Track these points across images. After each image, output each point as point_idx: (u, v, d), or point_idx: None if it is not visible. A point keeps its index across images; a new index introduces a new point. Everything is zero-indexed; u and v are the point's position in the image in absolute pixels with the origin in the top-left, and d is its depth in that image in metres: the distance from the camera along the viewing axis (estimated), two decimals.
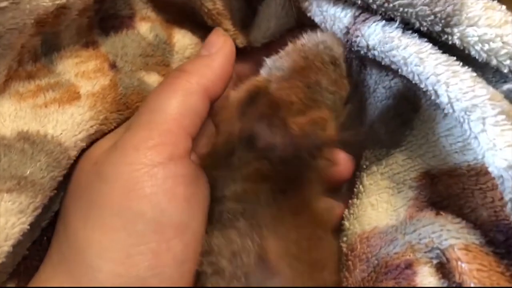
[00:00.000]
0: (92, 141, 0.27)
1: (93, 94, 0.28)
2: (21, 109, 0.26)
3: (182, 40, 0.33)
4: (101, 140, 0.28)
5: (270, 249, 0.25)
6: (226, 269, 0.25)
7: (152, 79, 0.31)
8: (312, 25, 0.35)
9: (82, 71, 0.28)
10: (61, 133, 0.26)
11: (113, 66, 0.30)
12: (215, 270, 0.25)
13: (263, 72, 0.31)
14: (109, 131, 0.28)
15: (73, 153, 0.26)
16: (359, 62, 0.33)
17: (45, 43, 0.29)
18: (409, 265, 0.24)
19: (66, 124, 0.26)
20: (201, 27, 0.33)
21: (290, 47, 0.31)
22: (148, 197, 0.24)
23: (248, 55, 0.34)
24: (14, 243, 0.23)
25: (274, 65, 0.31)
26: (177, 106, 0.27)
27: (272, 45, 0.33)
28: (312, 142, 0.27)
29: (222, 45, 0.31)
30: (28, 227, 0.24)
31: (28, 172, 0.24)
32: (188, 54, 0.33)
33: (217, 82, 0.29)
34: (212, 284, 0.25)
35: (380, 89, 0.32)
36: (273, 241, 0.25)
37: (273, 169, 0.26)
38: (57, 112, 0.26)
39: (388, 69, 0.30)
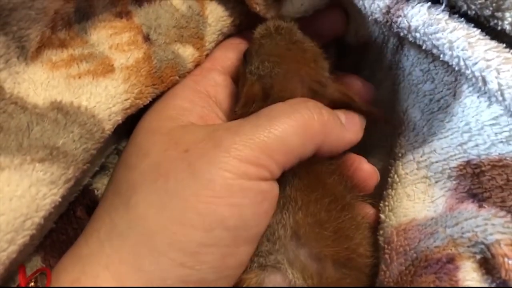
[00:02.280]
0: (128, 115, 0.26)
1: (127, 67, 0.27)
2: (54, 78, 0.25)
3: (215, 11, 0.31)
4: (189, 125, 0.27)
5: (300, 221, 0.26)
6: (265, 249, 0.26)
7: (187, 52, 0.29)
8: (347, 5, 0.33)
9: (116, 44, 0.27)
10: (95, 105, 0.25)
11: (147, 38, 0.28)
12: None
13: None
14: (144, 106, 0.27)
15: (108, 126, 0.25)
16: (396, 41, 0.32)
17: (79, 11, 0.27)
18: (451, 260, 0.23)
19: (100, 96, 0.25)
20: None
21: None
22: (235, 207, 0.24)
23: None
24: (45, 214, 0.23)
25: None
26: (294, 141, 0.26)
27: (303, 21, 0.32)
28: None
29: (359, 131, 0.30)
30: (60, 199, 0.23)
31: (60, 143, 0.23)
32: (220, 26, 0.32)
33: (332, 150, 0.28)
34: (248, 265, 0.26)
35: (416, 72, 0.31)
36: (300, 213, 0.26)
37: None
38: (91, 84, 0.25)
39: (428, 51, 0.29)
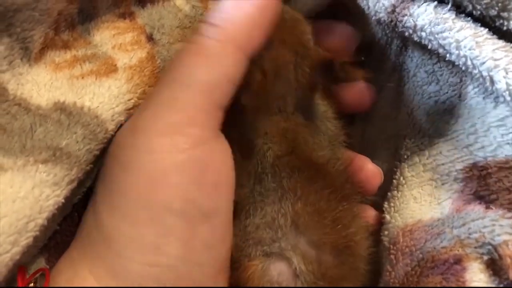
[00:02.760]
0: (131, 115, 0.26)
1: (131, 67, 0.26)
2: (57, 79, 0.25)
3: None
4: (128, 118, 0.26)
5: (299, 210, 0.25)
6: (267, 236, 0.26)
7: None
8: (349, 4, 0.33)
9: (119, 44, 0.27)
10: (98, 106, 0.25)
11: (150, 38, 0.28)
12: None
13: None
14: None
15: (111, 126, 0.25)
16: (400, 42, 0.32)
17: (82, 12, 0.27)
18: (458, 260, 0.23)
19: (103, 96, 0.25)
20: None
21: None
22: (175, 188, 0.22)
23: None
24: (48, 216, 0.22)
25: None
26: (205, 76, 0.22)
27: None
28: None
29: None
30: (63, 200, 0.23)
31: (64, 144, 0.23)
32: None
33: (254, 34, 0.23)
34: (252, 253, 0.26)
35: (421, 73, 0.30)
36: (300, 203, 0.26)
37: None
38: (94, 84, 0.25)
39: (433, 52, 0.29)
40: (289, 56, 0.28)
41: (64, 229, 0.26)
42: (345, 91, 0.32)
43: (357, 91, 0.32)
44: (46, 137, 0.23)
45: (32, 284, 0.24)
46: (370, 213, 0.30)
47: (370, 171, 0.29)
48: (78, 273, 0.23)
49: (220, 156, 0.24)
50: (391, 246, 0.26)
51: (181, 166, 0.22)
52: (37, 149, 0.22)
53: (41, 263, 0.26)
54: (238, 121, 0.26)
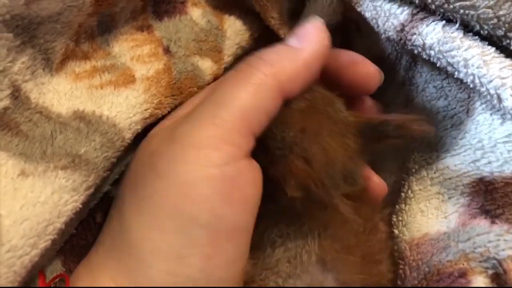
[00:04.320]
0: (147, 125, 0.27)
1: (148, 78, 0.27)
2: (77, 89, 0.26)
3: (233, 25, 0.32)
4: (158, 128, 0.27)
5: (326, 247, 0.25)
6: (285, 271, 0.25)
7: (206, 65, 0.30)
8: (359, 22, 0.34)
9: (138, 55, 0.28)
10: (116, 115, 0.26)
11: (167, 50, 0.29)
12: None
13: None
14: (163, 116, 0.28)
15: (128, 135, 0.26)
16: (409, 58, 0.32)
17: (101, 24, 0.28)
18: (462, 274, 0.23)
19: (121, 106, 0.26)
20: (250, 13, 0.32)
21: None
22: (204, 201, 0.23)
23: None
24: (66, 220, 0.23)
25: None
26: (246, 101, 0.23)
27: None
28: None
29: (317, 39, 0.26)
30: (81, 206, 0.24)
31: (82, 151, 0.24)
32: (239, 40, 0.32)
33: (296, 80, 0.25)
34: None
35: (430, 88, 0.31)
36: (328, 240, 0.25)
37: None
38: (112, 94, 0.26)
39: (441, 69, 0.29)
40: (333, 141, 0.26)
41: (80, 232, 0.27)
42: (353, 109, 0.32)
43: (365, 109, 0.32)
44: (65, 144, 0.24)
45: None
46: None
47: (376, 183, 0.29)
48: (98, 279, 0.24)
49: (250, 177, 0.24)
50: (400, 261, 0.27)
51: (212, 180, 0.23)
52: (57, 155, 0.23)
53: (57, 265, 0.26)
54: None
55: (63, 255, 0.27)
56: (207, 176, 0.22)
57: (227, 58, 0.31)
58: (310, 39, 0.26)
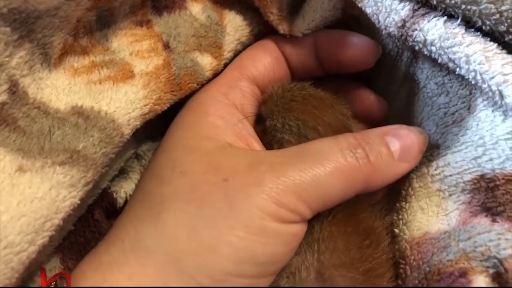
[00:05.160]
0: (146, 120, 0.27)
1: (147, 74, 0.27)
2: (75, 84, 0.26)
3: (233, 21, 0.32)
4: (227, 147, 0.27)
5: (325, 262, 0.25)
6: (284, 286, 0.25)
7: (206, 60, 0.30)
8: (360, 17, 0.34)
9: (137, 50, 0.28)
10: (115, 110, 0.26)
11: (166, 46, 0.29)
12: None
13: None
14: (162, 112, 0.28)
15: (127, 131, 0.26)
16: (410, 54, 0.32)
17: (100, 19, 0.28)
18: (463, 274, 0.23)
19: (120, 101, 0.26)
20: (250, 8, 0.32)
21: None
22: (267, 246, 0.24)
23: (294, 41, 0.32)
24: (64, 216, 0.23)
25: None
26: (335, 191, 0.25)
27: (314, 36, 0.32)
28: None
29: (416, 159, 0.28)
30: (79, 201, 0.24)
31: (81, 146, 0.24)
32: (239, 36, 0.32)
33: (379, 185, 0.27)
34: None
35: (431, 85, 0.31)
36: (327, 254, 0.25)
37: None
38: (111, 90, 0.26)
39: (443, 65, 0.29)
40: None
41: (78, 229, 0.27)
42: (357, 105, 0.32)
43: (368, 104, 0.32)
44: (64, 139, 0.24)
45: (53, 284, 0.24)
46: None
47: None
48: (108, 279, 0.23)
49: (303, 234, 0.26)
50: (401, 261, 0.26)
51: (279, 233, 0.24)
52: (55, 151, 0.23)
53: (55, 262, 0.26)
54: None
55: (61, 252, 0.27)
56: (278, 229, 0.24)
57: (227, 54, 0.31)
58: (412, 156, 0.27)
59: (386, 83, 0.36)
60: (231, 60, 0.32)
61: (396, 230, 0.28)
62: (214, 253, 0.23)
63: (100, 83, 0.26)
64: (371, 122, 0.34)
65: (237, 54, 0.32)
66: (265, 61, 0.31)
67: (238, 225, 0.23)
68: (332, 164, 0.25)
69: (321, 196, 0.25)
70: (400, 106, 0.34)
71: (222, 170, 0.25)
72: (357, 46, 0.31)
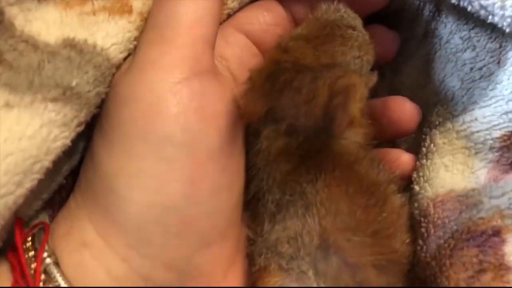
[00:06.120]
0: None
1: (142, 14, 0.25)
2: (67, 16, 0.24)
3: None
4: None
5: (328, 226, 0.24)
6: (286, 252, 0.24)
7: None
8: None
9: None
10: (110, 47, 0.24)
11: None
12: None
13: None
14: None
15: (115, 70, 0.24)
16: (433, 7, 0.31)
17: None
18: (496, 232, 0.22)
19: (117, 37, 0.24)
20: None
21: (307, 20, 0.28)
22: (175, 118, 0.22)
23: None
24: (54, 158, 0.22)
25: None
26: (186, 12, 0.24)
27: None
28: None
29: None
30: (70, 143, 0.22)
31: (74, 83, 0.22)
32: None
33: None
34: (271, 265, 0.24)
35: (455, 40, 0.30)
36: (329, 218, 0.24)
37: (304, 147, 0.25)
38: (107, 21, 0.24)
39: (470, 17, 0.28)
40: None
41: (70, 183, 0.26)
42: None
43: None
44: (55, 74, 0.22)
45: (30, 239, 0.23)
46: (403, 159, 0.29)
47: (408, 109, 0.28)
48: (76, 223, 0.23)
49: (219, 92, 0.24)
50: (422, 219, 0.25)
51: (179, 95, 0.22)
52: (46, 86, 0.22)
53: (44, 219, 0.25)
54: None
55: (51, 208, 0.25)
56: (174, 91, 0.22)
57: (231, 4, 0.28)
58: None
59: (404, 40, 0.35)
60: (236, 11, 0.30)
61: (416, 188, 0.27)
62: (134, 157, 0.22)
63: (94, 13, 0.24)
64: (384, 61, 0.32)
65: (242, 5, 0.29)
66: (265, 14, 0.29)
67: (136, 116, 0.23)
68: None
69: (186, 28, 0.24)
70: (419, 64, 0.33)
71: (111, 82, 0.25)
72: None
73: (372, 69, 0.27)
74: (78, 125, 0.23)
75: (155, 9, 0.25)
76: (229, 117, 0.24)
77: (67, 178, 0.26)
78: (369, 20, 0.33)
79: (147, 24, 0.25)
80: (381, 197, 0.25)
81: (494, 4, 0.25)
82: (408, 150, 0.30)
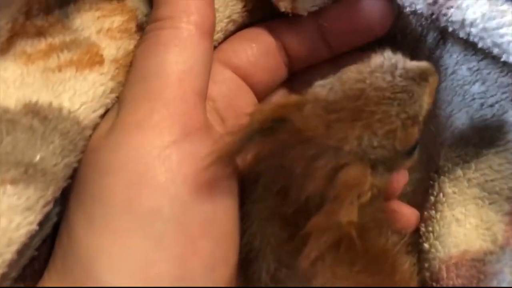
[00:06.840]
0: None
1: (116, 61, 0.24)
2: (29, 74, 0.23)
3: None
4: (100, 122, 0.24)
5: None
6: None
7: None
8: None
9: (106, 28, 0.25)
10: (80, 107, 0.22)
11: (140, 27, 0.25)
12: None
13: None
14: None
15: (89, 132, 0.23)
16: (437, 35, 0.30)
17: None
18: None
19: (87, 95, 0.23)
20: None
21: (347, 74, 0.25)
22: (163, 188, 0.21)
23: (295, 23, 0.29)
24: (18, 248, 0.20)
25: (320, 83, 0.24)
26: (176, 62, 0.23)
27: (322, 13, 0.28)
28: None
29: None
30: (37, 227, 0.21)
31: (38, 158, 0.21)
32: (229, 12, 0.28)
33: (210, 13, 0.24)
34: None
35: (462, 71, 0.29)
36: None
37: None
38: (74, 79, 0.23)
39: (478, 49, 0.26)
40: None
41: (44, 252, 0.23)
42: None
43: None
44: (15, 149, 0.20)
45: None
46: (408, 215, 0.26)
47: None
48: None
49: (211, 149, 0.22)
50: (434, 284, 0.24)
51: (167, 162, 0.21)
52: (5, 165, 0.20)
53: None
54: None
55: (22, 282, 0.23)
56: (162, 158, 0.21)
57: (216, 35, 0.27)
58: None
59: None
60: (220, 42, 0.28)
61: (426, 245, 0.26)
62: (118, 235, 0.21)
63: (60, 70, 0.23)
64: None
65: (227, 35, 0.29)
66: (251, 45, 0.28)
67: (120, 187, 0.21)
68: (147, 46, 0.24)
69: (175, 80, 0.23)
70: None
71: (91, 145, 0.23)
72: (368, 8, 0.28)
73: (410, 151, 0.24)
74: (45, 205, 0.21)
75: (140, 58, 0.24)
76: (224, 180, 0.22)
77: (40, 248, 0.24)
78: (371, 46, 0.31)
79: (131, 76, 0.24)
80: (389, 266, 0.23)
81: (509, 42, 0.24)
82: (413, 193, 0.29)
